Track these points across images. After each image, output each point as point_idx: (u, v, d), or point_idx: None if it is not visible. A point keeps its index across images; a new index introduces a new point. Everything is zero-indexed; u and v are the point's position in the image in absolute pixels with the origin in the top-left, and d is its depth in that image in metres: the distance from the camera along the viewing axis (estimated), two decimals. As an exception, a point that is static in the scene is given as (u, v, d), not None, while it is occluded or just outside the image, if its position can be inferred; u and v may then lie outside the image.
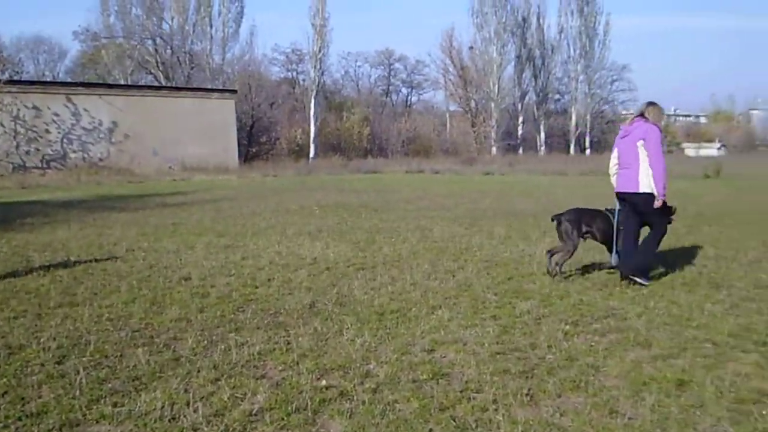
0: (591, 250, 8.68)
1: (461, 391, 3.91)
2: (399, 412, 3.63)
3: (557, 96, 64.45)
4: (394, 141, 54.72)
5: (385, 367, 4.30)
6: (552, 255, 7.27)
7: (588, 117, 61.87)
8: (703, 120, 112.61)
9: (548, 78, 60.54)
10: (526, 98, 60.22)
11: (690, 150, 71.13)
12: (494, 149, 54.51)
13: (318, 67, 50.08)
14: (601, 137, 66.80)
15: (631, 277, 6.70)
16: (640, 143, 6.66)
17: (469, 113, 60.40)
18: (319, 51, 49.55)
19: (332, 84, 65.84)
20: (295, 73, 67.73)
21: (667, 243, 7.66)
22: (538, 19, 59.87)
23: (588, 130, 62.18)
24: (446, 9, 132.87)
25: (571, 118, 61.31)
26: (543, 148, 58.69)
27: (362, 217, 13.20)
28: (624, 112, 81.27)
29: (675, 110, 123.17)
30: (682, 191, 19.38)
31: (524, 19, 59.03)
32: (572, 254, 7.22)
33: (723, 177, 24.61)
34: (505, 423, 3.46)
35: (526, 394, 3.85)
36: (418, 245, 9.45)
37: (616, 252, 7.04)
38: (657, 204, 6.65)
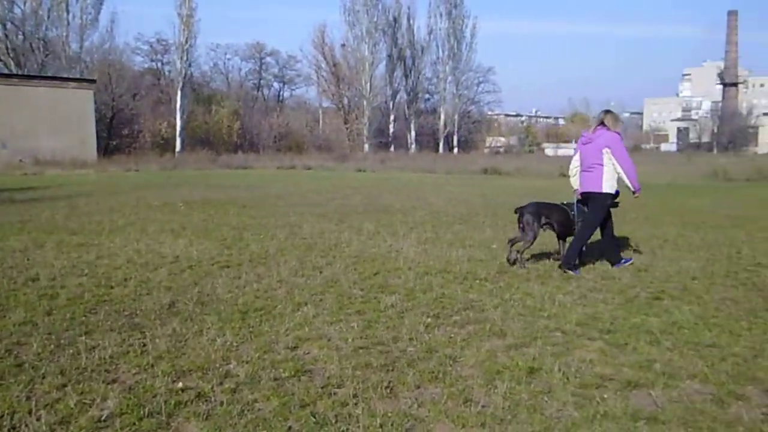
0: (453, 244, 8.99)
1: (323, 387, 3.90)
2: (258, 412, 3.56)
3: (427, 96, 66.35)
4: (266, 136, 54.07)
5: (246, 367, 4.21)
6: (513, 243, 7.71)
7: (456, 117, 64.07)
8: (561, 122, 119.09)
9: (418, 78, 62.16)
10: (397, 97, 61.59)
11: (549, 150, 75.32)
12: (366, 146, 55.22)
13: (185, 58, 48.62)
14: (468, 137, 69.45)
15: (565, 270, 7.33)
16: (605, 150, 7.34)
17: (341, 110, 60.82)
18: (186, 42, 48.12)
19: (200, 76, 63.82)
20: (160, 64, 65.10)
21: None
22: (409, 19, 61.44)
23: (456, 130, 64.40)
24: (318, 4, 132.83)
25: (440, 118, 63.24)
26: (413, 146, 60.14)
27: (230, 214, 12.89)
28: (489, 113, 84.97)
29: (536, 112, 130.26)
30: (540, 189, 20.51)
31: (395, 19, 60.27)
32: (532, 243, 7.70)
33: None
34: (364, 416, 3.49)
35: (387, 387, 3.90)
36: (286, 242, 9.36)
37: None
38: (637, 196, 7.61)
